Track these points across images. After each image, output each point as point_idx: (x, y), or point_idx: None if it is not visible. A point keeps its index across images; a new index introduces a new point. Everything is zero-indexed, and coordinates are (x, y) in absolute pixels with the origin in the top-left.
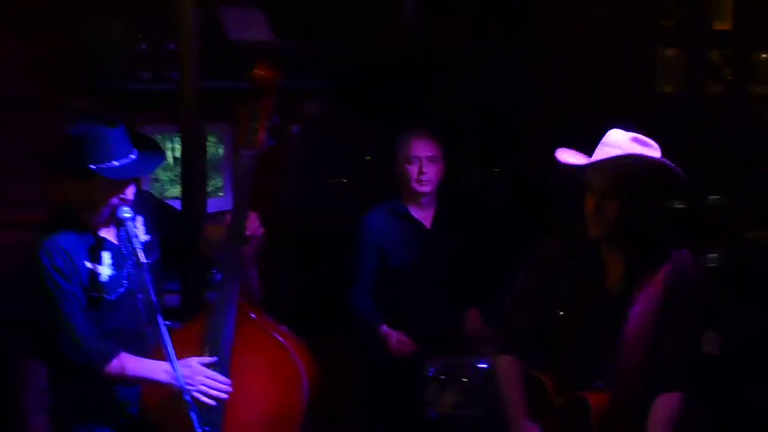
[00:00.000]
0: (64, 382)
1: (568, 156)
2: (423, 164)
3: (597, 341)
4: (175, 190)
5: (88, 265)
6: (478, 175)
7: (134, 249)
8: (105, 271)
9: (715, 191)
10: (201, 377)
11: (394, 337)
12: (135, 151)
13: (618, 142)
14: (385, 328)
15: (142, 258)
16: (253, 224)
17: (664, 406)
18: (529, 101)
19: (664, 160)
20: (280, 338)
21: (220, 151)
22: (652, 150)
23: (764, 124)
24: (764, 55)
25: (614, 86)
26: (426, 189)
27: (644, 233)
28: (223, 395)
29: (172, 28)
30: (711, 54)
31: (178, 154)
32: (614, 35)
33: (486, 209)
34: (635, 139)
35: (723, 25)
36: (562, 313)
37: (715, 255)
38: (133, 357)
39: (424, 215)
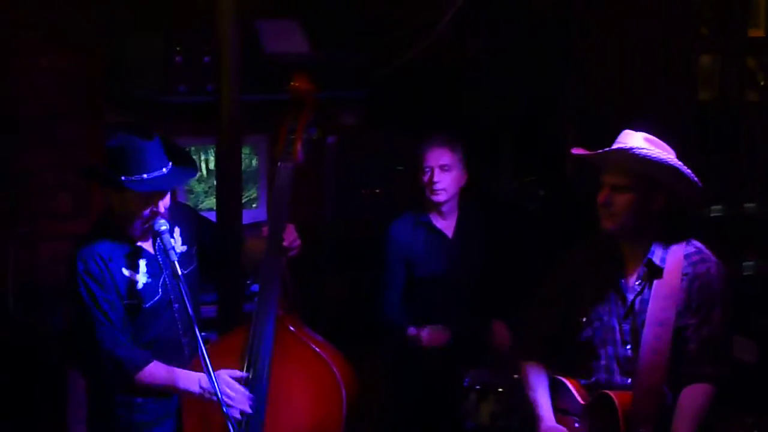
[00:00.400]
0: (101, 393)
1: (581, 149)
2: (435, 173)
3: (618, 339)
4: (210, 202)
5: (125, 272)
6: (513, 185)
7: (170, 261)
8: (141, 278)
9: (752, 199)
10: (224, 388)
11: (425, 331)
12: (169, 163)
13: (630, 140)
14: (412, 329)
15: (178, 269)
16: (291, 236)
17: (692, 396)
18: (568, 110)
19: (672, 160)
20: (319, 351)
21: (254, 162)
22: (665, 149)
23: None
24: None
25: (653, 94)
26: (440, 198)
27: (657, 228)
28: (246, 408)
29: (208, 41)
30: (747, 60)
31: (212, 165)
32: (652, 43)
33: (517, 218)
34: (647, 139)
35: (757, 32)
36: (584, 319)
37: (751, 263)
38: (166, 366)
39: (446, 224)
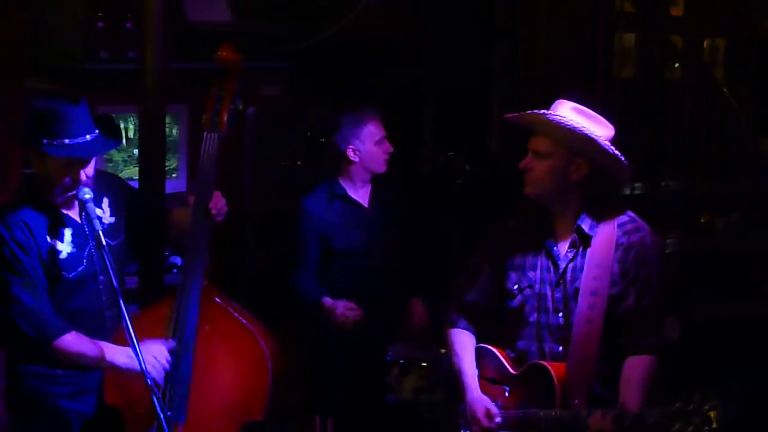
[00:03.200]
0: (19, 364)
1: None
2: (387, 144)
3: (550, 307)
4: (129, 170)
5: (49, 240)
6: (437, 159)
7: (95, 230)
8: (65, 248)
9: (672, 176)
10: (150, 358)
11: (339, 305)
12: (95, 131)
13: (559, 108)
14: (328, 300)
15: (104, 240)
16: (219, 202)
17: (637, 366)
18: (493, 84)
19: (587, 131)
20: (245, 322)
21: (175, 131)
22: (596, 123)
23: (722, 110)
24: (718, 41)
25: (576, 69)
26: (385, 168)
27: (583, 197)
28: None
29: (130, 7)
30: (672, 39)
31: (132, 134)
32: (577, 19)
33: (437, 191)
34: (575, 109)
35: (676, 11)
36: (516, 287)
37: (672, 241)
38: (85, 337)
39: (361, 194)
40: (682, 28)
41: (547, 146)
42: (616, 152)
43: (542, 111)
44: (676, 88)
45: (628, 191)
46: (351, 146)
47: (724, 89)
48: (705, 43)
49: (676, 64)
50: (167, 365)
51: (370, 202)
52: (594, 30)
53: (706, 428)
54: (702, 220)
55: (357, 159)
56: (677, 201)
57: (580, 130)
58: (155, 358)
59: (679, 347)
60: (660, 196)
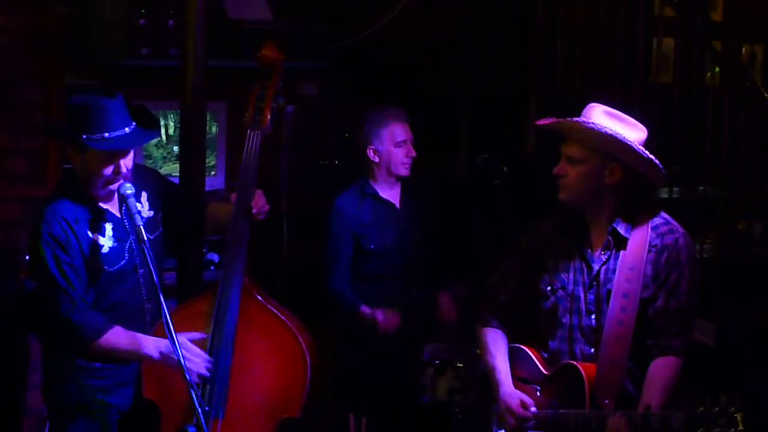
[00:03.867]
0: (58, 358)
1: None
2: (410, 148)
3: (583, 309)
4: (168, 167)
5: (90, 235)
6: (475, 160)
7: (136, 226)
8: (106, 242)
9: (710, 182)
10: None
11: (379, 314)
12: (132, 123)
13: (591, 113)
14: (365, 308)
15: (144, 234)
16: (260, 201)
17: (662, 368)
18: (530, 88)
19: (621, 136)
20: (284, 318)
21: (214, 129)
22: (628, 126)
23: (761, 115)
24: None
25: (614, 73)
26: (407, 172)
27: (617, 202)
28: (204, 372)
29: (172, 4)
30: (713, 44)
31: (171, 131)
32: (616, 22)
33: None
34: (608, 113)
35: (716, 16)
36: (549, 288)
37: (710, 246)
38: (127, 332)
39: (392, 194)
40: (722, 33)
41: (581, 152)
42: (650, 156)
43: (575, 118)
44: (715, 92)
45: (666, 195)
46: (371, 146)
47: (765, 94)
48: (743, 49)
49: (716, 69)
50: (204, 361)
51: (401, 201)
52: (632, 34)
53: (732, 431)
54: (739, 226)
55: (377, 159)
56: (715, 206)
57: (614, 135)
58: (194, 353)
59: (714, 352)
60: (698, 201)
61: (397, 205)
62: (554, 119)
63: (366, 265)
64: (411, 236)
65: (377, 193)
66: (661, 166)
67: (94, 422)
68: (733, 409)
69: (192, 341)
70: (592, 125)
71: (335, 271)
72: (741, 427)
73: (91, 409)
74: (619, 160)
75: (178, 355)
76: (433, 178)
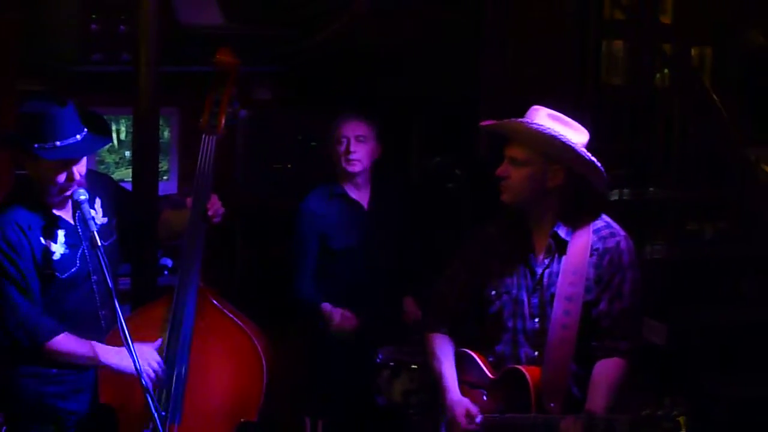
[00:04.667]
0: (14, 365)
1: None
2: (351, 143)
3: (526, 313)
4: (120, 173)
5: (43, 241)
6: (427, 164)
7: (90, 231)
8: (58, 249)
9: (660, 184)
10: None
11: (336, 313)
12: (84, 130)
13: (534, 115)
14: (326, 305)
15: (98, 240)
16: (215, 204)
17: (606, 369)
18: (482, 90)
19: (563, 137)
20: (240, 323)
21: (166, 134)
22: (571, 129)
23: (710, 117)
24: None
25: (565, 76)
26: (354, 168)
27: (559, 204)
28: (151, 374)
29: (124, 9)
30: (663, 47)
31: (123, 136)
32: (566, 26)
33: (429, 196)
34: (551, 115)
35: (665, 19)
36: (493, 293)
37: (659, 247)
38: (77, 338)
39: (360, 195)
40: (671, 35)
41: (523, 153)
42: (592, 158)
43: (519, 119)
44: (664, 95)
45: (616, 197)
46: (329, 148)
47: (714, 96)
48: (693, 52)
49: (665, 71)
50: (159, 367)
51: (370, 203)
52: (583, 37)
53: None
54: (690, 228)
55: (333, 159)
56: (665, 208)
57: (557, 137)
58: (149, 358)
59: (665, 352)
60: (648, 203)
61: (365, 206)
62: (498, 121)
63: (331, 264)
64: (378, 238)
65: (346, 193)
66: (602, 169)
67: (50, 429)
68: (676, 412)
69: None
70: (535, 126)
71: (300, 272)
72: (683, 430)
73: (47, 416)
74: (562, 162)
75: (134, 362)
76: (403, 181)
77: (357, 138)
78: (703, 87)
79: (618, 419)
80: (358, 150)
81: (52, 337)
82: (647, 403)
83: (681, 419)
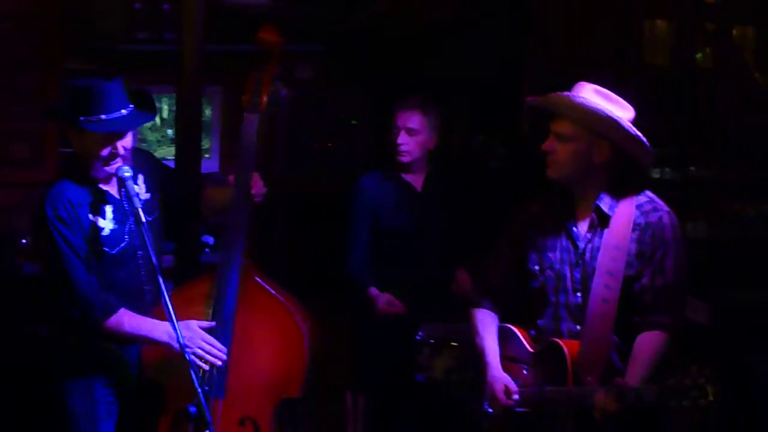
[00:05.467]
0: (63, 338)
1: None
2: (401, 134)
3: (569, 287)
4: (163, 151)
5: (91, 217)
6: (473, 143)
7: (134, 208)
8: (107, 225)
9: (703, 163)
10: (199, 341)
11: (382, 298)
12: (130, 106)
13: (581, 90)
14: (374, 290)
15: (142, 216)
16: (258, 183)
17: (647, 342)
18: (525, 70)
19: (611, 113)
20: (283, 300)
21: (208, 112)
22: (616, 105)
23: (753, 96)
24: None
25: (607, 55)
26: (403, 159)
27: (604, 179)
28: (218, 362)
29: None
30: (705, 25)
31: (166, 115)
32: (608, 4)
33: (478, 173)
34: (598, 91)
35: None
36: (537, 268)
37: (700, 227)
38: (133, 314)
39: (414, 178)
40: (714, 14)
41: (570, 129)
42: (639, 134)
43: (565, 93)
44: (707, 74)
45: (658, 176)
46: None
47: (756, 75)
48: (735, 30)
49: (707, 50)
50: (206, 342)
51: (424, 187)
52: (625, 16)
53: (702, 401)
54: (732, 207)
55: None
56: (707, 187)
57: (603, 112)
58: (192, 335)
59: (708, 331)
60: (691, 182)
61: (418, 189)
62: (545, 95)
63: (382, 244)
64: (430, 220)
65: (399, 175)
66: (648, 145)
67: (97, 403)
68: (703, 380)
69: (202, 328)
70: (581, 100)
71: (352, 251)
72: (711, 398)
73: (94, 391)
74: (608, 138)
75: (178, 337)
76: (460, 166)
77: (408, 130)
78: (745, 65)
79: (646, 389)
80: (407, 142)
81: (111, 314)
82: (674, 372)
83: (708, 387)
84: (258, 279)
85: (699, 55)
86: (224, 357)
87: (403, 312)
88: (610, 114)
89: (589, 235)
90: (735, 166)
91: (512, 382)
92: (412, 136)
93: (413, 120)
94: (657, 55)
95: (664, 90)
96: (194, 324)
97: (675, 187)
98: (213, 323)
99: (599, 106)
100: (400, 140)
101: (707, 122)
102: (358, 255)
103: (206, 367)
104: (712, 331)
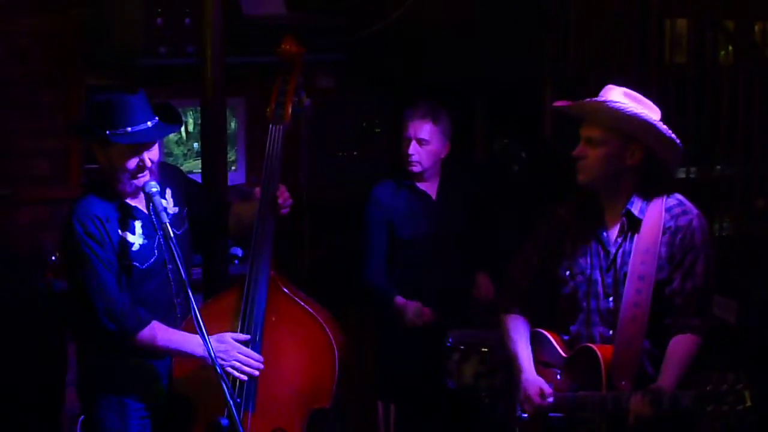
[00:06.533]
0: (93, 355)
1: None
2: (411, 145)
3: (601, 292)
4: (189, 164)
5: (120, 233)
6: (493, 147)
7: (163, 222)
8: (136, 240)
9: (727, 161)
10: (235, 353)
11: (410, 307)
12: (155, 118)
13: (609, 94)
14: (400, 299)
15: (170, 231)
16: (284, 194)
17: (680, 344)
18: (545, 72)
19: (645, 116)
20: (311, 311)
21: (233, 125)
22: (646, 107)
23: None
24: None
25: (628, 55)
26: (414, 169)
27: (634, 183)
28: (255, 372)
29: (188, 2)
30: (726, 24)
31: (191, 128)
32: (629, 4)
33: (495, 179)
34: (627, 94)
35: None
36: (568, 273)
37: (726, 225)
38: (166, 328)
39: (428, 186)
40: (734, 11)
41: (601, 133)
42: (673, 135)
43: (598, 99)
44: (728, 71)
45: (683, 176)
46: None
47: None
48: (756, 27)
49: (729, 48)
50: (242, 354)
51: (438, 193)
52: (646, 16)
53: (740, 407)
54: (758, 204)
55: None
56: (732, 185)
57: (640, 116)
58: (227, 348)
59: (736, 329)
60: (715, 181)
61: (433, 197)
62: (573, 101)
63: (399, 253)
64: (446, 228)
65: (413, 183)
66: (681, 145)
67: (127, 417)
68: (741, 385)
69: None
70: (616, 105)
71: (370, 260)
72: (749, 404)
73: (124, 405)
74: (642, 140)
75: (209, 350)
76: (472, 172)
77: (419, 141)
78: (767, 62)
79: (683, 394)
80: (418, 152)
81: (140, 329)
82: (711, 378)
83: (746, 393)
84: (285, 290)
85: (722, 53)
86: (261, 367)
87: (431, 321)
88: (646, 118)
89: (619, 240)
90: (759, 162)
91: (546, 385)
92: (423, 146)
93: (424, 130)
94: (678, 54)
95: (686, 89)
96: (228, 336)
97: (700, 185)
98: (248, 336)
99: (633, 110)
100: (411, 150)
101: (730, 120)
102: (376, 264)
103: (245, 378)
104: (740, 328)
